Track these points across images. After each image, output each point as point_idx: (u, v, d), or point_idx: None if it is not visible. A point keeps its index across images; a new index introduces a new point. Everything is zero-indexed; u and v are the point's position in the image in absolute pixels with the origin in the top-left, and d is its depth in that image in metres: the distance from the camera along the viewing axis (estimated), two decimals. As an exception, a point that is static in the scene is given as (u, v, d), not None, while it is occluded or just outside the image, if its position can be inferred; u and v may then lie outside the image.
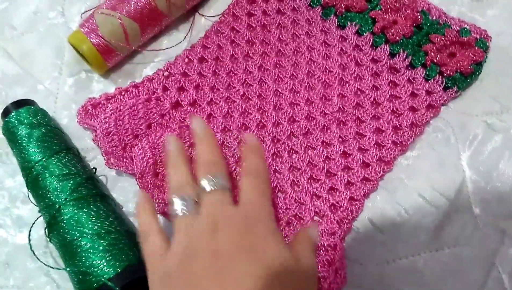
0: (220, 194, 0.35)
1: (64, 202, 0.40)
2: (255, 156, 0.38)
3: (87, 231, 0.39)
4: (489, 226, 0.41)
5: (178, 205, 0.34)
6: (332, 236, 0.40)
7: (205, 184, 0.35)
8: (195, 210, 0.34)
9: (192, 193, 0.35)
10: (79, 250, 0.38)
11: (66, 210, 0.40)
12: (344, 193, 0.42)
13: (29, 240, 0.42)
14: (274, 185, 0.43)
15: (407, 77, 0.45)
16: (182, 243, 0.33)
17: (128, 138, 0.44)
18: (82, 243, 0.39)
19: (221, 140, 0.45)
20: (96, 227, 0.39)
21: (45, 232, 0.41)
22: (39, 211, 0.42)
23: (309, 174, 0.43)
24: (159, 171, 0.42)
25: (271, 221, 0.35)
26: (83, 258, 0.38)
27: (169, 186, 0.37)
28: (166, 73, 0.47)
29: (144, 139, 0.43)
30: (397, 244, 0.41)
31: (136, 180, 0.43)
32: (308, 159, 0.44)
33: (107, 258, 0.38)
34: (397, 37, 0.46)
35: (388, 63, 0.46)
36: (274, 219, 0.35)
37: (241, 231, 0.32)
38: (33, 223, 0.43)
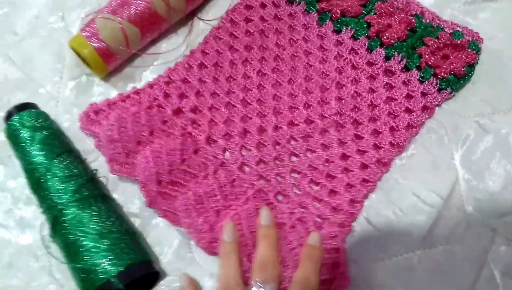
0: None
1: (66, 203, 0.41)
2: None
3: (89, 231, 0.40)
4: (481, 224, 0.42)
5: None
6: (335, 239, 0.41)
7: None
8: None
9: None
10: (81, 249, 0.39)
11: (69, 211, 0.41)
12: (345, 196, 0.43)
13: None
14: (277, 190, 0.44)
15: (402, 79, 0.46)
16: None
17: (131, 145, 0.44)
18: (85, 242, 0.39)
19: (223, 146, 0.45)
20: (98, 227, 0.40)
21: (48, 233, 0.42)
22: (42, 213, 0.43)
23: (309, 177, 0.44)
24: (162, 179, 0.43)
25: None
26: (86, 257, 0.39)
27: (218, 279, 0.39)
28: (167, 79, 0.48)
29: (147, 147, 0.44)
30: (392, 242, 0.42)
31: (139, 188, 0.43)
32: (308, 162, 0.44)
33: (110, 257, 0.39)
34: (392, 40, 0.47)
35: (384, 66, 0.47)
36: None
37: None
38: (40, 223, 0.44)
